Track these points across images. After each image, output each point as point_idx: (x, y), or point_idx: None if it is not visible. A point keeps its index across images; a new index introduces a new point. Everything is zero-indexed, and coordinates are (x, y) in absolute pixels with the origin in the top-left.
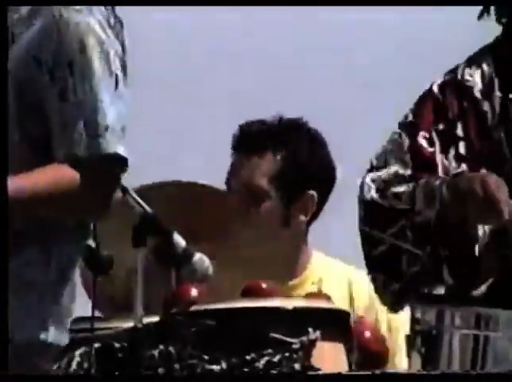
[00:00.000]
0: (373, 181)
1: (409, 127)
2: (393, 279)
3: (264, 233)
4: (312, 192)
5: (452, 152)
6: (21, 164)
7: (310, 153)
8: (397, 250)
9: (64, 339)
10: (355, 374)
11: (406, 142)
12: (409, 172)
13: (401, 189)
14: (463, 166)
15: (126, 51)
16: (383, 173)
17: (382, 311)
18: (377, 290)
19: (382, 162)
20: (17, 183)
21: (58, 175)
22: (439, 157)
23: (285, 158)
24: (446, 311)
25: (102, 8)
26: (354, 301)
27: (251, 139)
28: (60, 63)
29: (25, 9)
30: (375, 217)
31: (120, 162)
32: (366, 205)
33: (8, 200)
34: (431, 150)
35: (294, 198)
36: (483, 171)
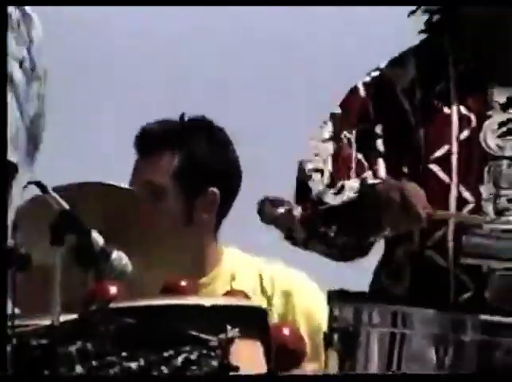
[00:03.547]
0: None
1: (336, 120)
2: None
3: (167, 230)
4: (213, 189)
5: (373, 151)
6: None
7: (209, 151)
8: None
9: None
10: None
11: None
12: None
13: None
14: (380, 162)
15: (31, 48)
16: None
17: (296, 308)
18: None
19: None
20: None
21: None
22: (354, 157)
23: (183, 156)
24: (363, 309)
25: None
26: (267, 295)
27: (149, 139)
28: None
29: None
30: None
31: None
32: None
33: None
34: (349, 151)
35: (194, 195)
36: (402, 181)
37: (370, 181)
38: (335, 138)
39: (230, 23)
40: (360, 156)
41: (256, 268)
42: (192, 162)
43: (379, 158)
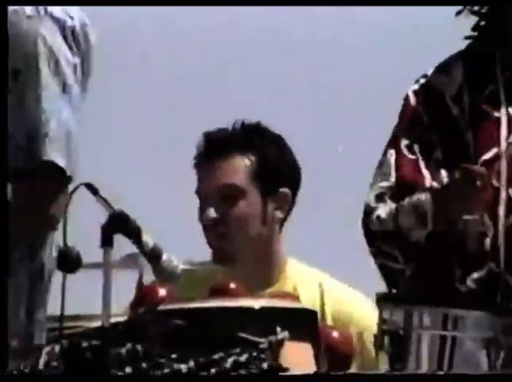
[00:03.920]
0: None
1: (392, 140)
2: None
3: (244, 229)
4: (286, 189)
5: (432, 159)
6: None
7: (277, 153)
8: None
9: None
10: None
11: (391, 154)
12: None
13: (382, 212)
14: (442, 172)
15: (88, 58)
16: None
17: (353, 319)
18: None
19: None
20: None
21: None
22: (422, 164)
23: (255, 157)
24: (414, 312)
25: (60, 13)
26: (325, 306)
27: (219, 146)
28: (11, 71)
29: None
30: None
31: (58, 172)
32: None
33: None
34: (413, 157)
35: (269, 195)
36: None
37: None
38: (394, 144)
39: (230, 23)
40: (423, 165)
41: (316, 279)
42: (266, 164)
43: (440, 167)
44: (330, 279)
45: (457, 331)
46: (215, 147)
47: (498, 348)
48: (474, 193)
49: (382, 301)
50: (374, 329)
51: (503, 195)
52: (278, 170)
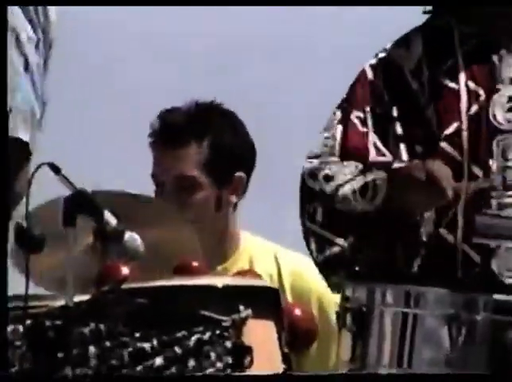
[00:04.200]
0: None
1: (343, 106)
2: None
3: (201, 220)
4: (241, 173)
5: (390, 134)
6: None
7: (232, 134)
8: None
9: None
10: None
11: (339, 118)
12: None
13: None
14: (402, 147)
15: (48, 35)
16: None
17: (311, 289)
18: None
19: (319, 145)
20: None
21: None
22: (371, 138)
23: (211, 144)
24: (376, 289)
25: None
26: (283, 279)
27: (173, 131)
28: None
29: None
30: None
31: (21, 147)
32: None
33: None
34: (363, 129)
35: (225, 182)
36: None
37: (396, 165)
38: (345, 119)
39: (230, 23)
40: (376, 139)
41: (272, 251)
42: (219, 149)
43: (400, 142)
44: (284, 251)
45: (419, 308)
46: (172, 132)
47: (459, 325)
48: (429, 197)
49: (344, 278)
50: (335, 300)
51: (465, 169)
52: (233, 156)
